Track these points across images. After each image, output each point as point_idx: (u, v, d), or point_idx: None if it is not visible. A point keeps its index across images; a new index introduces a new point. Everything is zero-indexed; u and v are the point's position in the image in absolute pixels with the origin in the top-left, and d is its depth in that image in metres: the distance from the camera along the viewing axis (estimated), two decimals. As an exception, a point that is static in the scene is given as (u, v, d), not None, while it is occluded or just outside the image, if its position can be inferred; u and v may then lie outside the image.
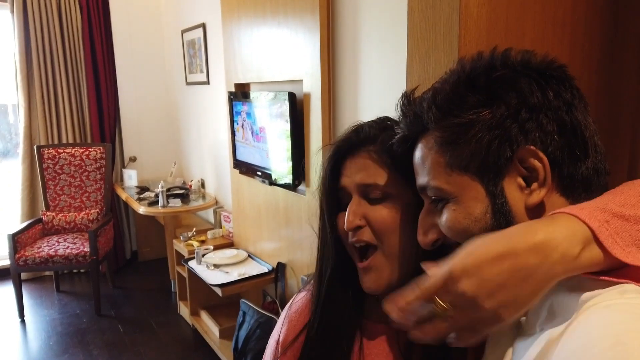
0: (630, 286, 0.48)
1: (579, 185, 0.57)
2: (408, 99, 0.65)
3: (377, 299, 0.77)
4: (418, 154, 0.63)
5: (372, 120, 0.77)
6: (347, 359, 0.76)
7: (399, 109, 0.66)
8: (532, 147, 0.55)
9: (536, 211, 0.57)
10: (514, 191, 0.57)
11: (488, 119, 0.56)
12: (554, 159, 0.56)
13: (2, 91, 4.20)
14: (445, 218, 0.60)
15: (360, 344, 0.77)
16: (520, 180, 0.57)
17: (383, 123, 0.75)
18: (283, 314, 0.85)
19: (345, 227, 0.71)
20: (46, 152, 3.87)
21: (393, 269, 0.71)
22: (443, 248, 0.63)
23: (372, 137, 0.73)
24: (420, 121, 0.61)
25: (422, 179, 0.62)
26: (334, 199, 0.75)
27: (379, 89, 1.90)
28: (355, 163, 0.72)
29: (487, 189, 0.57)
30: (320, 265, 0.79)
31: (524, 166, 0.56)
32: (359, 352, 0.76)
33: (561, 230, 0.48)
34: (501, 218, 0.56)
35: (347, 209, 0.71)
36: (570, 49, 1.02)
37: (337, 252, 0.77)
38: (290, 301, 0.86)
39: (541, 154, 0.55)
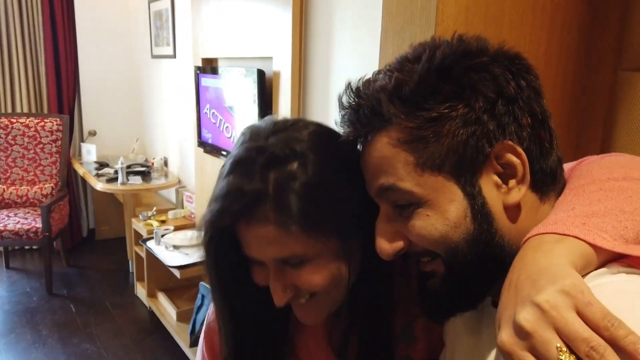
0: (603, 269, 0.47)
1: (547, 178, 0.55)
2: (357, 93, 0.56)
3: None
4: (376, 153, 0.55)
5: (241, 160, 0.59)
6: None
7: (344, 103, 0.57)
8: (509, 142, 0.52)
9: (513, 210, 0.53)
10: (490, 190, 0.53)
11: (464, 112, 0.51)
12: (529, 154, 0.53)
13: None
14: (418, 225, 0.53)
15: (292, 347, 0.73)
16: (496, 178, 0.53)
17: (260, 157, 0.58)
18: (201, 338, 0.78)
19: (276, 305, 0.62)
20: (-2, 121, 3.65)
21: (334, 301, 0.65)
22: (405, 257, 0.57)
23: (262, 192, 0.57)
24: (377, 116, 0.54)
25: (383, 181, 0.54)
26: (234, 269, 0.65)
27: (352, 71, 1.84)
28: (255, 233, 0.58)
29: (464, 189, 0.52)
30: (230, 326, 0.70)
31: (500, 162, 0.53)
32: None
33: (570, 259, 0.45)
34: (482, 220, 0.52)
35: (270, 284, 0.62)
36: (548, 35, 0.98)
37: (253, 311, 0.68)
38: (205, 322, 0.77)
39: (519, 149, 0.52)
